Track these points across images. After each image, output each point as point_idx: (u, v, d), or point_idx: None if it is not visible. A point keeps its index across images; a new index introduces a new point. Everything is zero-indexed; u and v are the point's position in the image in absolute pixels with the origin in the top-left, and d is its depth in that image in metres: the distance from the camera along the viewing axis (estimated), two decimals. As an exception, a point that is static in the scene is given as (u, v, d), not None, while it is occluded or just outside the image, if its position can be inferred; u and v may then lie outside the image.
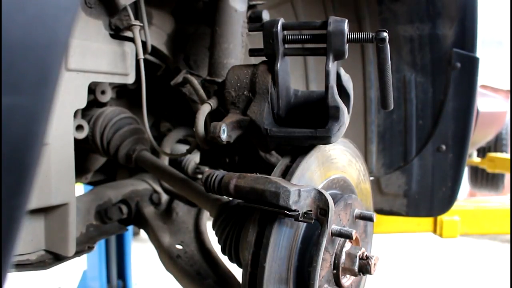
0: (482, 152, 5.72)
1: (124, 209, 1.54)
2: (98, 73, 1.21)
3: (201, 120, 1.02)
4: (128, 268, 3.63)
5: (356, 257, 0.94)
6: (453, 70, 1.67)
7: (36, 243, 1.19)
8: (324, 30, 0.90)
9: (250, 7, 1.33)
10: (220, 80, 1.22)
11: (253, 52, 1.01)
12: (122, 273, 3.63)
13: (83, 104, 1.18)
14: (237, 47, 1.28)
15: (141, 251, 4.93)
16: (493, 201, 4.81)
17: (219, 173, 0.95)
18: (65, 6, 0.43)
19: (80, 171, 1.67)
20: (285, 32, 0.95)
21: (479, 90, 1.79)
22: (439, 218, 3.52)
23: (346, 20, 0.90)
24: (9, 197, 0.41)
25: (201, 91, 1.17)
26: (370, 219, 1.02)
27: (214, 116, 1.06)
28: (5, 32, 0.39)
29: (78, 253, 1.28)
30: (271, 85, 0.97)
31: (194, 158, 1.61)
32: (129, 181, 1.67)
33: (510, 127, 5.29)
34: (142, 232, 2.87)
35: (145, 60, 1.30)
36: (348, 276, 0.98)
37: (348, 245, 0.96)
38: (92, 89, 1.42)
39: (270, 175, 0.91)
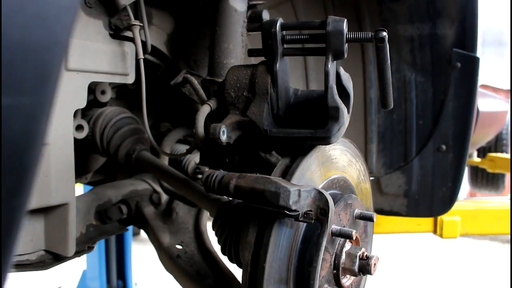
0: (482, 152, 5.72)
1: (124, 209, 1.54)
2: (98, 73, 1.21)
3: (201, 121, 1.02)
4: (128, 268, 3.63)
5: (356, 257, 0.94)
6: (453, 70, 1.67)
7: (36, 243, 1.19)
8: (323, 30, 0.90)
9: (250, 7, 1.33)
10: (220, 80, 1.22)
11: (252, 53, 1.00)
12: (122, 273, 3.63)
13: (83, 104, 1.18)
14: (237, 47, 1.28)
15: (141, 251, 4.93)
16: (493, 201, 4.81)
17: (219, 173, 0.95)
18: (65, 6, 0.43)
19: (80, 171, 1.67)
20: (284, 32, 0.95)
21: (479, 90, 1.79)
22: (439, 218, 3.52)
23: (345, 20, 0.90)
24: (9, 197, 0.41)
25: (201, 91, 1.16)
26: (370, 219, 1.02)
27: (214, 116, 1.06)
28: (5, 32, 0.39)
29: (78, 253, 1.28)
30: (270, 86, 0.97)
31: (194, 158, 1.61)
32: (129, 181, 1.67)
33: (510, 127, 5.28)
34: (142, 232, 2.87)
35: (145, 60, 1.30)
36: (348, 276, 0.98)
37: (348, 245, 0.95)
38: (92, 89, 1.42)
39: (270, 175, 0.91)
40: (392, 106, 0.98)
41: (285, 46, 0.95)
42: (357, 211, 1.02)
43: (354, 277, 1.00)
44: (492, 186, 6.01)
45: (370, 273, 0.93)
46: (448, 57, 1.66)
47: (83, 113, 1.44)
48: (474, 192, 7.07)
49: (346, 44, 0.90)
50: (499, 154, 5.35)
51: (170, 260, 1.45)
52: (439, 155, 1.78)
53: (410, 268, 4.96)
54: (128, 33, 1.26)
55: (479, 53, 1.66)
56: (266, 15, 1.31)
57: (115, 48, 1.25)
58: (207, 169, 1.34)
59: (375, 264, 0.93)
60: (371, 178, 1.91)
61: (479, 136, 3.74)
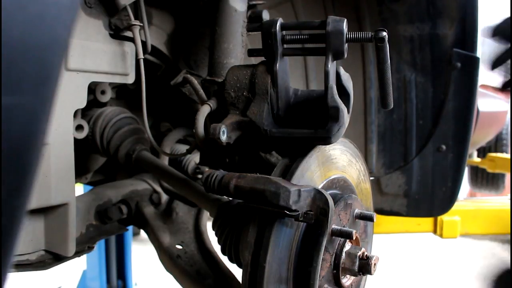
0: (482, 152, 5.73)
1: (124, 209, 1.54)
2: (98, 73, 1.21)
3: (201, 122, 1.02)
4: (128, 268, 3.63)
5: (356, 257, 0.94)
6: (453, 70, 1.67)
7: (36, 243, 1.19)
8: (323, 30, 0.90)
9: (250, 7, 1.33)
10: (220, 80, 1.22)
11: (252, 53, 1.00)
12: (122, 273, 3.63)
13: (83, 104, 1.18)
14: (237, 47, 1.28)
15: (141, 251, 4.93)
16: (493, 201, 4.82)
17: (219, 173, 0.95)
18: (65, 5, 0.44)
19: (80, 171, 1.67)
20: (284, 32, 0.95)
21: (479, 90, 1.79)
22: (439, 218, 3.53)
23: (345, 20, 0.90)
24: (9, 197, 0.41)
25: (201, 91, 1.16)
26: (370, 219, 1.02)
27: (214, 116, 1.06)
28: (5, 31, 0.39)
29: (78, 253, 1.28)
30: (270, 86, 0.97)
31: (194, 158, 1.61)
32: (129, 181, 1.67)
33: (510, 127, 5.29)
34: (142, 232, 2.87)
35: (145, 60, 1.30)
36: (348, 276, 0.98)
37: (348, 245, 0.95)
38: (92, 89, 1.42)
39: (270, 175, 0.91)
40: (392, 106, 0.98)
41: (285, 46, 0.95)
42: (357, 211, 1.02)
43: (354, 277, 1.00)
44: (492, 186, 6.01)
45: (370, 273, 0.93)
46: (448, 57, 1.66)
47: (83, 113, 1.44)
48: (474, 192, 7.07)
49: (346, 44, 0.90)
50: (499, 154, 5.35)
51: (170, 260, 1.45)
52: (439, 155, 1.78)
53: (410, 268, 4.96)
54: (128, 33, 1.26)
55: (479, 53, 1.66)
56: (266, 15, 1.31)
57: (115, 48, 1.25)
58: (207, 169, 1.34)
59: (375, 264, 0.93)
60: (371, 178, 1.91)
61: (479, 136, 3.75)
